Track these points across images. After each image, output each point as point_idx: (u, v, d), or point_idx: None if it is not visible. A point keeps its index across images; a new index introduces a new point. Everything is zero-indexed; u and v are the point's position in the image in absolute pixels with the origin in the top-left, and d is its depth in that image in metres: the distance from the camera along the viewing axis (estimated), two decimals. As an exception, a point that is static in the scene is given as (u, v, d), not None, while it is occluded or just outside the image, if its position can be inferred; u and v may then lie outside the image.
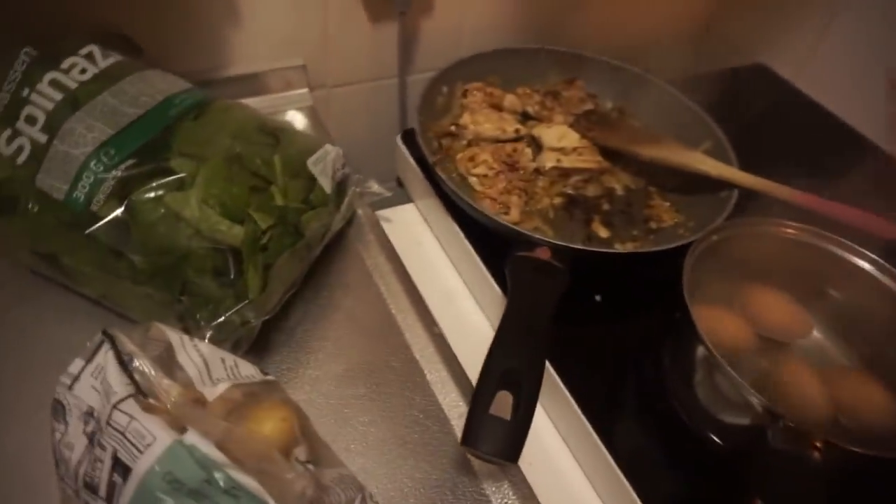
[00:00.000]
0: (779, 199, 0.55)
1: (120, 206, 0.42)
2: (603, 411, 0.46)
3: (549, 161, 0.61)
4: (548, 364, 0.47)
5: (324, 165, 0.51)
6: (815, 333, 0.50)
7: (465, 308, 0.57)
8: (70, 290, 0.48)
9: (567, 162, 0.61)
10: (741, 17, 0.90)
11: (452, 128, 0.64)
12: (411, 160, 0.64)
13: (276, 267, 0.44)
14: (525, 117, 0.67)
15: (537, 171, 0.61)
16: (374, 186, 0.57)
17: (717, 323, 0.46)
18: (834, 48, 0.92)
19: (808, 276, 0.49)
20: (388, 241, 0.58)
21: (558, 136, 0.63)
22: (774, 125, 0.79)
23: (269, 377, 0.35)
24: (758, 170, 0.58)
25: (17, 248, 0.47)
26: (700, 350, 0.43)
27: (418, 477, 0.43)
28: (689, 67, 0.89)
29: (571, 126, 0.65)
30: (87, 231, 0.42)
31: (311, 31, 0.67)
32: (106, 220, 0.42)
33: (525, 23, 0.76)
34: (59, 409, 0.31)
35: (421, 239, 0.63)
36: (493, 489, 0.43)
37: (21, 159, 0.43)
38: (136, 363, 0.31)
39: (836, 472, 0.40)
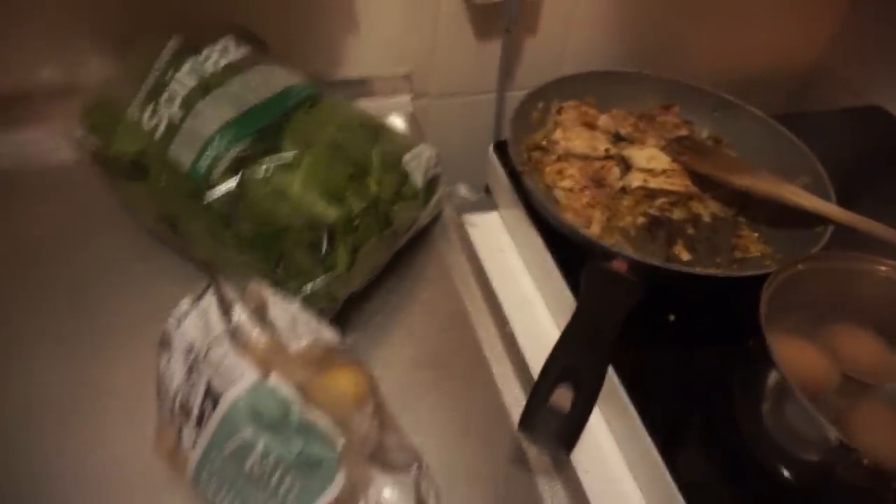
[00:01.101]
0: (879, 238, 0.53)
1: (234, 180, 0.47)
2: (668, 432, 0.46)
3: (635, 180, 0.61)
4: (615, 378, 0.48)
5: (417, 163, 0.54)
6: (906, 379, 0.47)
7: (537, 315, 0.58)
8: (182, 256, 0.53)
9: (654, 183, 0.61)
10: (858, 56, 0.86)
11: (544, 142, 0.66)
12: (501, 170, 0.66)
13: (364, 249, 0.48)
14: (617, 139, 0.68)
15: (623, 190, 0.62)
16: (463, 190, 0.60)
17: (795, 353, 0.45)
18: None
19: (901, 317, 0.47)
20: (471, 244, 0.61)
21: (648, 157, 0.64)
22: (885, 168, 0.75)
23: (349, 342, 0.38)
24: (860, 210, 0.56)
25: (144, 212, 0.53)
26: (773, 377, 0.42)
27: (473, 466, 0.45)
28: (796, 104, 0.86)
29: (663, 149, 0.65)
30: (203, 200, 0.47)
31: (420, 43, 0.71)
32: (221, 191, 0.47)
33: (627, 47, 0.77)
34: (166, 342, 0.35)
35: (502, 246, 0.65)
36: (546, 487, 0.44)
37: (158, 133, 0.49)
38: (235, 310, 0.34)
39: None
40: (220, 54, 0.51)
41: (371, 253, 0.49)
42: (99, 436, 0.43)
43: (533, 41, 0.74)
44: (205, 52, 0.51)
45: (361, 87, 0.72)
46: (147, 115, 0.49)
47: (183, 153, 0.48)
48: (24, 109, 0.63)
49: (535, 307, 0.59)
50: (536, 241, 0.58)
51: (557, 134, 0.66)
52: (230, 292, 0.35)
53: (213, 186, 0.47)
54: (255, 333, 0.33)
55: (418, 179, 0.53)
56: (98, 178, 0.55)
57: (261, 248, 0.46)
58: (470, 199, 0.59)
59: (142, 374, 0.45)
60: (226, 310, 0.34)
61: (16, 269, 0.53)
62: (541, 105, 0.67)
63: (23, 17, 0.60)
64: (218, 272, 0.51)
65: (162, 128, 0.49)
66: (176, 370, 0.34)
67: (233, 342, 0.33)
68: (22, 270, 0.53)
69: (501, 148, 0.68)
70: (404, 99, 0.74)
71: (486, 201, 0.68)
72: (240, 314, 0.34)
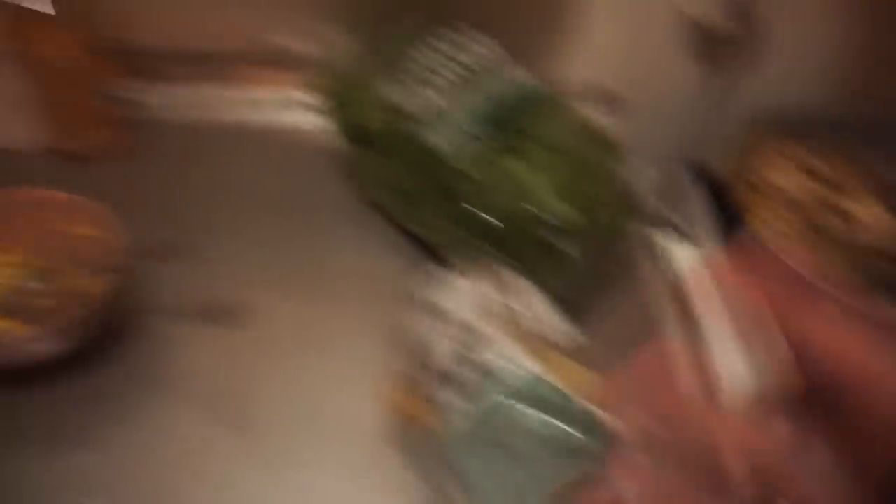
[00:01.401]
0: None
1: (475, 166, 0.49)
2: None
3: (853, 233, 0.59)
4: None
5: (636, 180, 0.55)
6: None
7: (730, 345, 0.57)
8: (400, 230, 0.57)
9: (873, 241, 0.58)
10: None
11: (754, 179, 0.64)
12: (700, 201, 0.65)
13: (582, 253, 0.49)
14: (833, 187, 0.65)
15: (837, 242, 0.59)
16: (666, 212, 0.59)
17: None
18: None
19: None
20: (669, 265, 0.60)
21: (869, 212, 0.60)
22: None
23: (582, 341, 0.40)
24: None
25: (375, 183, 0.57)
26: None
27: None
28: None
29: (886, 208, 0.62)
30: (441, 179, 0.50)
31: (634, 59, 0.71)
32: (459, 173, 0.49)
33: (858, 94, 0.73)
34: (434, 310, 0.38)
35: (699, 269, 0.63)
36: None
37: (412, 112, 0.52)
38: (494, 295, 0.37)
39: None
40: (476, 48, 0.55)
41: (593, 258, 0.50)
42: (319, 376, 0.47)
43: (750, 73, 0.72)
44: (463, 46, 0.54)
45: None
46: (408, 96, 0.52)
47: (430, 134, 0.51)
48: (253, 70, 0.68)
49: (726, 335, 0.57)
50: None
51: (771, 173, 0.64)
52: (492, 279, 0.37)
53: (453, 168, 0.50)
54: (522, 317, 0.35)
55: (635, 196, 0.54)
56: (317, 143, 0.59)
57: (490, 236, 0.49)
58: (673, 223, 0.59)
59: (361, 329, 0.49)
60: (496, 290, 0.36)
61: (234, 219, 0.58)
62: (755, 140, 0.66)
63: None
64: (448, 252, 0.54)
65: (417, 109, 0.52)
66: (438, 336, 0.36)
67: (494, 322, 0.35)
68: (237, 220, 0.58)
69: (702, 177, 0.67)
70: (606, 111, 0.74)
71: (682, 224, 0.68)
72: (498, 298, 0.36)
